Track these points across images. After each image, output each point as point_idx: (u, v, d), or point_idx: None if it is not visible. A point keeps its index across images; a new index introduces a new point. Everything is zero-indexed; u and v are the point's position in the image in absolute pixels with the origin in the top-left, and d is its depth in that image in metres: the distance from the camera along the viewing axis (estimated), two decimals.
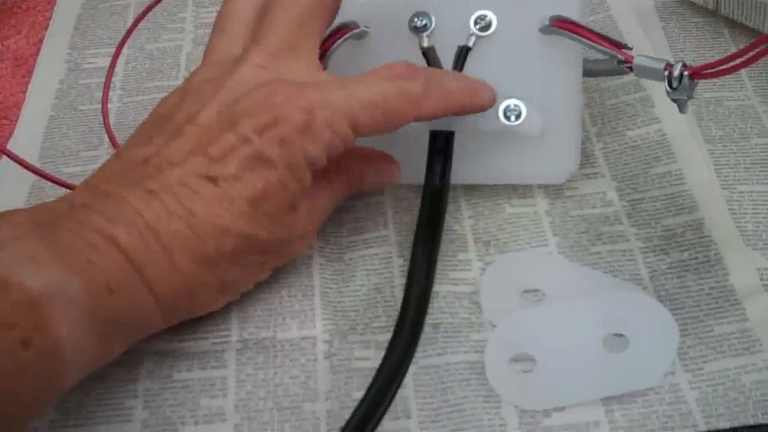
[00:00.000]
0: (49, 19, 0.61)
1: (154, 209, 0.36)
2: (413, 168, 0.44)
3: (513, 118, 0.44)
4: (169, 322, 0.38)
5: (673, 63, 0.40)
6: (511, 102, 0.44)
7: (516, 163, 0.45)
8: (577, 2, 0.45)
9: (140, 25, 0.59)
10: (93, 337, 0.33)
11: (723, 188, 0.45)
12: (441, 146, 0.44)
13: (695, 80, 0.40)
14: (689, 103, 0.42)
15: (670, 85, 0.40)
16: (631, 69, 0.42)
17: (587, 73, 0.46)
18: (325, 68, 0.42)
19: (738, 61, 0.38)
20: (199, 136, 0.37)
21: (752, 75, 0.50)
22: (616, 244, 0.43)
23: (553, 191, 0.46)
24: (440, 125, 0.44)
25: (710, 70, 0.39)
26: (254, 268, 0.40)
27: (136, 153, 0.38)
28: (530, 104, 0.44)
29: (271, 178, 0.37)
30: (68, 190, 0.46)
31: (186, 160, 0.37)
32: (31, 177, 0.49)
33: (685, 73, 0.40)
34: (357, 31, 0.44)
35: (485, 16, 0.45)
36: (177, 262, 0.36)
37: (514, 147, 0.44)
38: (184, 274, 0.36)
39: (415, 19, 0.45)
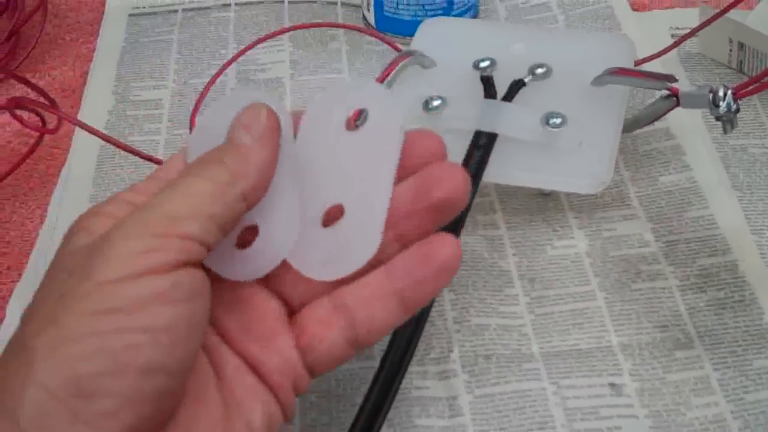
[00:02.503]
0: (93, 51, 0.63)
1: None
2: None
3: (556, 123, 0.47)
4: None
5: (713, 87, 0.44)
6: (555, 110, 0.47)
7: (552, 168, 0.47)
8: (631, 55, 0.50)
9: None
10: None
11: (752, 233, 0.47)
12: (483, 142, 0.46)
13: (738, 99, 0.44)
14: (730, 128, 0.45)
15: (715, 103, 0.44)
16: (677, 101, 0.46)
17: (631, 127, 0.50)
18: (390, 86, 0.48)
19: None
20: None
21: None
22: (655, 281, 0.46)
23: (591, 232, 0.48)
24: (485, 126, 0.46)
25: (750, 87, 0.44)
26: None
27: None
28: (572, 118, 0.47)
29: None
30: None
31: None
32: (87, 199, 0.52)
33: (729, 91, 0.44)
34: (424, 59, 0.50)
35: (544, 64, 0.49)
36: None
37: (552, 153, 0.47)
38: None
39: (481, 63, 0.50)
